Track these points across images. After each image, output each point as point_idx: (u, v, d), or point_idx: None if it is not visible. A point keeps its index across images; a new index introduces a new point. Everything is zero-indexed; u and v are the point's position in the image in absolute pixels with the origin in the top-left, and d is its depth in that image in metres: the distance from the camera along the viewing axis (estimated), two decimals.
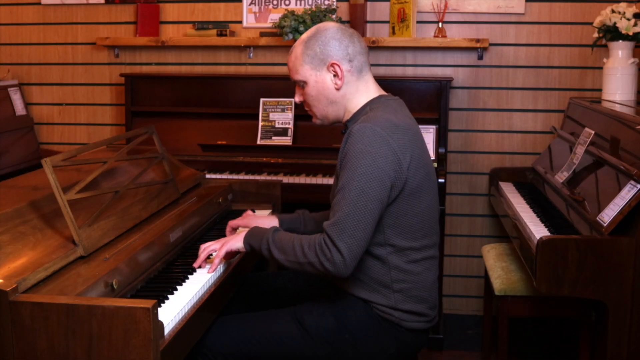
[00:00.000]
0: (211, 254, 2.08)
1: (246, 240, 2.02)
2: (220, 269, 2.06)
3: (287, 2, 3.70)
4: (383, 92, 2.06)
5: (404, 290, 1.96)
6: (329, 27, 2.00)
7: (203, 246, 2.08)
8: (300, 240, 1.91)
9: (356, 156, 1.84)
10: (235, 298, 2.27)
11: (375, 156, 1.83)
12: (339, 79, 1.98)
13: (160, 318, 1.58)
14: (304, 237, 1.92)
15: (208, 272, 2.02)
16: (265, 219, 2.28)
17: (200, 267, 2.06)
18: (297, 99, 2.08)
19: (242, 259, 2.21)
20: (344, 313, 1.98)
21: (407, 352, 2.04)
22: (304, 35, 2.02)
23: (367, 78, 2.03)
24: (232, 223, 2.28)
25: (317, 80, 1.99)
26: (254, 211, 2.70)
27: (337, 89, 1.99)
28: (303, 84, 2.02)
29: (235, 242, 2.04)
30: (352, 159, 1.85)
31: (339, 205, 1.84)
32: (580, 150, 2.73)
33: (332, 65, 1.97)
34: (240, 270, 2.21)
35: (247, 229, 2.09)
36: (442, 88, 3.41)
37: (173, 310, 1.73)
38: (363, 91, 2.02)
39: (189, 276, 1.98)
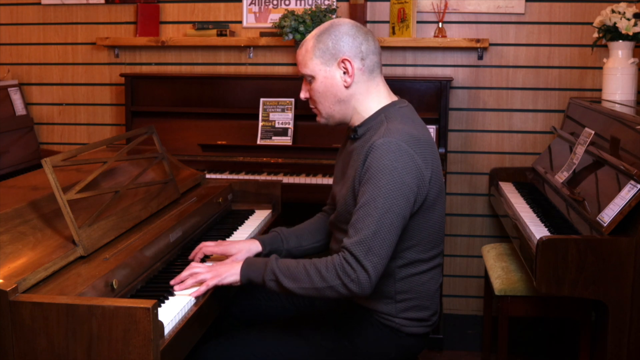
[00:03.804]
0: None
1: (243, 274, 1.88)
2: None
3: (287, 2, 3.70)
4: (394, 97, 2.00)
5: (407, 299, 1.94)
6: (344, 23, 1.94)
7: (192, 268, 1.90)
8: (313, 264, 1.80)
9: (382, 172, 1.77)
10: (235, 300, 2.26)
11: (401, 172, 1.77)
12: (349, 77, 1.90)
13: (160, 318, 1.57)
14: (315, 260, 1.83)
15: (190, 295, 1.81)
16: (244, 243, 2.13)
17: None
18: (303, 95, 2.00)
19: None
20: (343, 320, 1.97)
21: (408, 355, 2.02)
22: (317, 29, 1.95)
23: (378, 80, 1.96)
24: (206, 250, 2.08)
25: (326, 75, 1.91)
26: (253, 212, 2.70)
27: (346, 87, 1.92)
28: (311, 79, 1.94)
29: (229, 275, 1.87)
30: (377, 174, 1.77)
31: (364, 222, 1.76)
32: (580, 150, 2.73)
33: (343, 61, 1.90)
34: None
35: (236, 259, 1.96)
36: (442, 88, 3.41)
37: (173, 310, 1.73)
38: (374, 93, 1.95)
39: None
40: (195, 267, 1.90)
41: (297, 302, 2.21)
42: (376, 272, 1.76)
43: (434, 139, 3.34)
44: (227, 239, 2.34)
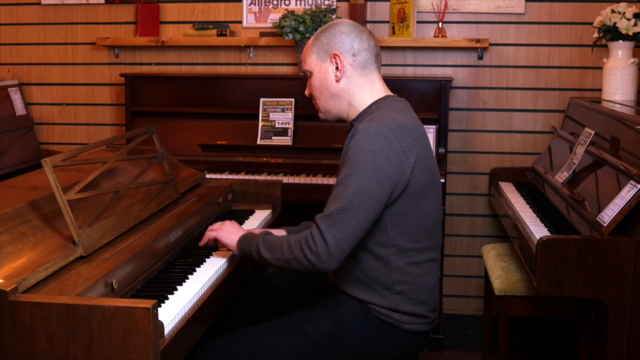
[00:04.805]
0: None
1: (239, 243, 2.05)
2: (220, 269, 2.07)
3: (287, 2, 3.70)
4: (390, 93, 2.06)
5: (405, 291, 1.95)
6: (341, 22, 2.05)
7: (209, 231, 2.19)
8: (288, 237, 1.92)
9: (357, 154, 1.84)
10: (235, 299, 2.27)
11: (376, 156, 1.83)
12: (339, 71, 2.00)
13: (160, 318, 1.57)
14: (294, 234, 1.93)
15: (200, 244, 2.20)
16: (273, 231, 2.23)
17: (200, 265, 2.07)
18: (307, 91, 2.11)
19: (241, 259, 2.22)
20: (341, 318, 1.97)
21: (407, 354, 2.03)
22: (319, 29, 2.08)
23: (372, 76, 2.03)
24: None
25: (320, 70, 2.03)
26: (253, 212, 2.70)
27: (337, 81, 2.01)
28: (310, 74, 2.06)
29: (228, 238, 2.09)
30: (353, 156, 1.85)
31: (334, 199, 1.85)
32: (580, 150, 2.73)
33: (334, 56, 2.00)
34: (240, 271, 2.21)
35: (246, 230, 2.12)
36: (442, 88, 3.41)
37: (173, 310, 1.73)
38: (367, 88, 2.02)
39: (189, 276, 1.98)
40: (214, 224, 2.19)
41: (296, 300, 2.22)
42: (339, 248, 1.81)
43: (434, 139, 3.35)
44: None
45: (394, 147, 1.85)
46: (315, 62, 2.03)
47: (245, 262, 2.24)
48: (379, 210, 1.86)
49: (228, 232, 2.11)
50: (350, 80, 2.01)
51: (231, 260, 2.16)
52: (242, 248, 2.03)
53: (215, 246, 2.24)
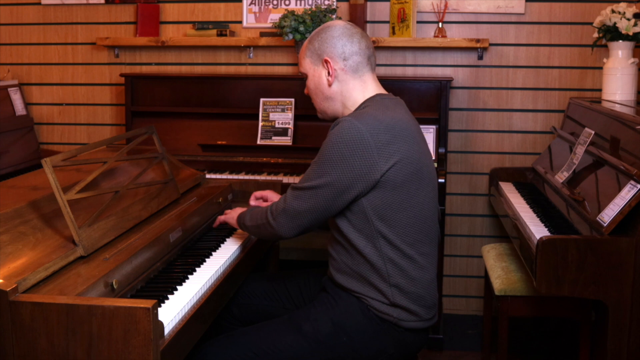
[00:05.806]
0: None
1: (238, 219, 2.23)
2: (220, 269, 2.07)
3: (287, 2, 3.70)
4: (383, 91, 2.07)
5: (401, 285, 1.95)
6: (333, 26, 2.07)
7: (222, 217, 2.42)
8: (265, 206, 2.10)
9: (327, 144, 1.93)
10: (235, 299, 2.27)
11: (342, 146, 1.89)
12: (330, 76, 2.04)
13: (160, 318, 1.58)
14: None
15: (213, 226, 2.46)
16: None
17: (200, 265, 2.08)
18: (306, 91, 2.16)
19: (241, 259, 2.22)
20: (341, 316, 1.98)
21: (407, 352, 2.03)
22: (314, 31, 2.11)
23: (365, 78, 2.05)
24: (256, 193, 2.43)
25: (314, 74, 2.08)
26: None
27: (329, 85, 2.05)
28: (305, 77, 2.11)
29: (232, 219, 2.31)
30: (324, 145, 1.94)
31: (303, 178, 1.98)
32: (580, 150, 2.73)
33: (325, 61, 2.04)
34: (239, 272, 2.21)
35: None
36: (442, 88, 3.41)
37: (173, 310, 1.73)
38: (360, 89, 2.05)
39: (189, 276, 1.98)
40: (227, 210, 2.43)
41: (295, 299, 2.22)
42: (296, 219, 1.97)
43: (434, 139, 3.34)
44: (227, 239, 2.36)
45: (365, 141, 1.88)
46: (310, 66, 2.08)
47: (244, 262, 2.24)
48: (343, 199, 1.92)
49: (233, 213, 2.30)
50: (342, 83, 2.05)
51: (231, 260, 2.16)
52: (239, 222, 2.22)
53: (215, 246, 2.26)
